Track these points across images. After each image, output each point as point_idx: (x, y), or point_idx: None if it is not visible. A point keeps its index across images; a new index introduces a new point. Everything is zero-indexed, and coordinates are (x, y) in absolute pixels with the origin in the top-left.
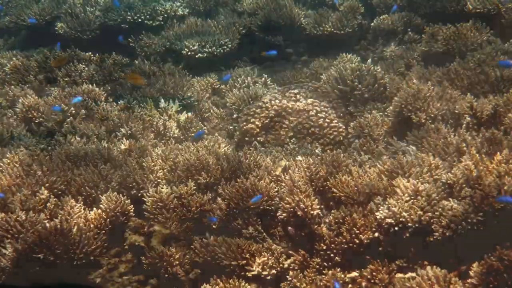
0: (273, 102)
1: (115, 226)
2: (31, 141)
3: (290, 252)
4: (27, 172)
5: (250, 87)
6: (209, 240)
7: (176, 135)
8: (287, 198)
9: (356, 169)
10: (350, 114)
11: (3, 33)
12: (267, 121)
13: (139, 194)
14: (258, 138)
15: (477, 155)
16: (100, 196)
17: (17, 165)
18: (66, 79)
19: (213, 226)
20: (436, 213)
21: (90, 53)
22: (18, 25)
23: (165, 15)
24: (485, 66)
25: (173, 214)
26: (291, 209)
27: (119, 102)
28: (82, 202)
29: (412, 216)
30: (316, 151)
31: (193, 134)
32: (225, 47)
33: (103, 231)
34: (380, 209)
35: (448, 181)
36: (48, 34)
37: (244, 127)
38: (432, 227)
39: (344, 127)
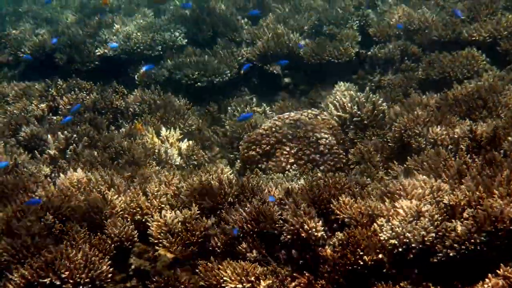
0: (273, 129)
1: (120, 251)
2: (35, 168)
3: (294, 274)
4: (32, 198)
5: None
6: (213, 264)
7: (178, 163)
8: (291, 220)
9: (359, 191)
10: (350, 141)
11: (3, 66)
12: (268, 148)
13: (143, 220)
14: (259, 165)
15: (479, 176)
16: (104, 221)
17: (22, 192)
18: (68, 107)
19: (217, 250)
20: (439, 233)
21: (91, 82)
22: (17, 58)
23: (164, 45)
24: (483, 92)
25: (178, 239)
26: (295, 231)
27: (121, 130)
28: (86, 228)
29: (415, 237)
30: (319, 176)
31: (194, 162)
32: (224, 76)
33: (108, 256)
34: (383, 230)
35: (450, 203)
36: (48, 65)
37: (245, 154)
38: (436, 247)
39: (344, 153)
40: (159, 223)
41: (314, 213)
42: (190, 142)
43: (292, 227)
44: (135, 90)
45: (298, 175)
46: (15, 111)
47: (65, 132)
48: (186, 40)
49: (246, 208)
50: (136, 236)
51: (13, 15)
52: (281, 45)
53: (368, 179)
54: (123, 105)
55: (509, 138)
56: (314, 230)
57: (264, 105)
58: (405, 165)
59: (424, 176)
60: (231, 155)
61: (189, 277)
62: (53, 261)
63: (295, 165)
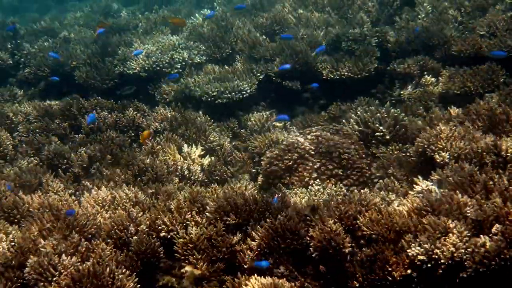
0: (295, 144)
1: (146, 268)
2: (59, 187)
3: None
4: (57, 216)
5: (271, 130)
6: (241, 279)
7: (200, 179)
8: (318, 237)
9: (385, 207)
10: (372, 155)
11: (22, 84)
12: (290, 163)
13: (169, 236)
14: (282, 180)
15: (506, 192)
16: (130, 238)
17: (47, 210)
18: (90, 126)
19: (244, 266)
20: (468, 249)
21: (112, 100)
22: (37, 76)
23: (183, 63)
24: (506, 106)
25: (204, 255)
26: (323, 248)
27: (143, 148)
28: (112, 245)
29: (444, 253)
30: (343, 191)
31: (217, 177)
32: (244, 92)
33: (135, 273)
34: (411, 246)
35: (478, 218)
36: (67, 83)
37: (268, 170)
38: (465, 263)
39: (367, 168)
40: (185, 240)
41: (341, 230)
42: (212, 158)
43: (319, 244)
44: (156, 107)
45: (321, 189)
46: (37, 130)
47: (88, 150)
48: (204, 58)
49: (272, 225)
50: (162, 252)
51: (31, 34)
52: (300, 61)
53: (394, 194)
54: (145, 122)
55: None
56: (341, 246)
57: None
58: (429, 179)
59: (451, 192)
60: (253, 170)
61: None
62: (81, 280)
63: (318, 180)
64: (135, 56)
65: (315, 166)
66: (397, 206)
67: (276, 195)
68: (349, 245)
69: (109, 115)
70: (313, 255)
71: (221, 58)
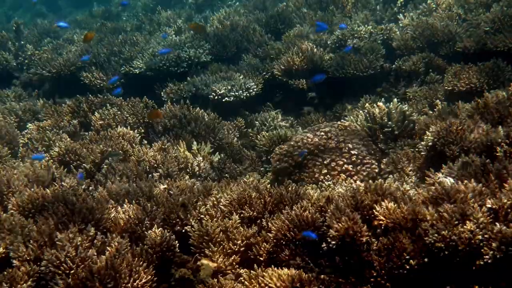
0: (305, 141)
1: (162, 262)
2: (72, 181)
3: (340, 280)
4: (72, 211)
5: (278, 129)
6: (257, 271)
7: (210, 176)
8: (335, 226)
9: (401, 196)
10: (381, 151)
11: (27, 86)
12: (300, 159)
13: (183, 230)
14: (292, 177)
15: None
16: (145, 232)
17: (62, 204)
18: (100, 122)
19: (260, 259)
20: (485, 235)
21: (121, 98)
22: (42, 77)
23: (189, 62)
24: None
25: (220, 248)
26: (340, 236)
27: (153, 144)
28: (128, 239)
29: (462, 240)
30: (353, 185)
31: (227, 174)
32: (251, 91)
33: (152, 266)
34: (428, 234)
35: (493, 206)
36: (72, 84)
37: (278, 167)
38: (482, 250)
39: (376, 163)
40: (201, 233)
41: (358, 219)
42: (222, 155)
43: (336, 233)
44: (164, 105)
45: (332, 185)
46: (47, 127)
47: (100, 146)
48: (210, 57)
49: (288, 216)
50: (177, 246)
51: (35, 36)
52: (306, 59)
53: (408, 185)
54: (155, 119)
55: None
56: (359, 235)
57: (292, 118)
58: (442, 172)
59: (466, 181)
60: (262, 168)
61: (233, 285)
62: (99, 271)
63: (328, 176)
64: (141, 56)
65: (325, 162)
66: (413, 195)
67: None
68: (367, 233)
69: (119, 112)
70: (330, 245)
71: (227, 57)
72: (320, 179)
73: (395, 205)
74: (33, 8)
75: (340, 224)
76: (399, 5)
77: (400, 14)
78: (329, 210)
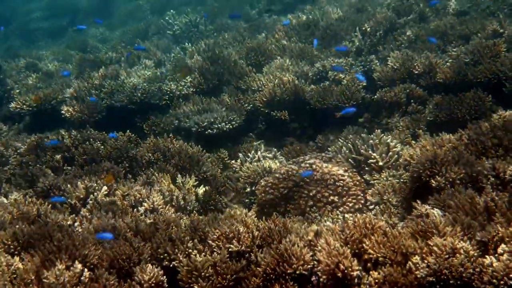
0: (290, 173)
1: None
2: (57, 217)
3: None
4: (59, 247)
5: (261, 160)
6: None
7: (196, 209)
8: (326, 260)
9: (390, 230)
10: (366, 182)
11: (6, 120)
12: (286, 191)
13: (171, 265)
14: (278, 209)
15: (509, 213)
16: (133, 268)
17: (48, 241)
18: (84, 157)
19: None
20: (476, 269)
21: (104, 132)
22: (22, 111)
23: (171, 95)
24: (497, 131)
25: (209, 283)
26: (331, 271)
27: (137, 179)
28: (115, 275)
29: (453, 273)
30: (340, 218)
31: (212, 207)
32: (234, 123)
33: None
34: (419, 268)
35: (483, 239)
36: (52, 118)
37: (263, 199)
38: (474, 284)
39: (362, 194)
40: (190, 268)
41: (348, 253)
42: (206, 187)
43: (327, 267)
44: (148, 138)
45: (318, 217)
46: (30, 162)
47: (85, 181)
48: (192, 89)
49: (278, 250)
50: (165, 281)
51: (13, 70)
52: (288, 91)
53: (396, 218)
54: (139, 153)
55: None
56: (350, 269)
57: (275, 150)
58: (429, 204)
59: (454, 214)
60: (247, 200)
61: None
62: None
63: (314, 208)
64: (122, 89)
65: (311, 194)
66: (402, 228)
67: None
68: (357, 268)
69: (102, 147)
70: (321, 279)
71: (208, 89)
72: (307, 211)
73: (385, 239)
74: (6, 40)
75: (330, 259)
76: (379, 36)
77: (380, 46)
78: (318, 245)
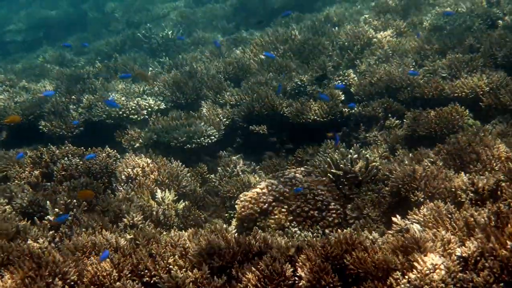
0: (270, 187)
1: None
2: (37, 234)
3: None
4: (39, 264)
5: (240, 175)
6: None
7: (176, 224)
8: (307, 276)
9: (371, 245)
10: (346, 197)
11: None
12: (265, 206)
13: (152, 281)
14: (257, 223)
15: (488, 228)
16: (113, 284)
17: (28, 258)
18: (63, 173)
19: None
20: (457, 285)
21: (83, 148)
22: None
23: (149, 109)
24: (475, 146)
25: None
26: (312, 287)
27: (117, 194)
28: None
29: None
30: (320, 232)
31: (192, 222)
32: (213, 137)
33: None
34: (400, 283)
35: (463, 254)
36: (30, 133)
37: (243, 213)
38: None
39: (341, 209)
40: (170, 284)
41: (330, 269)
42: (186, 202)
43: (308, 283)
44: (126, 154)
45: (298, 231)
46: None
47: (64, 197)
48: (170, 104)
49: (259, 266)
50: None
51: None
52: (266, 105)
53: (376, 233)
54: (118, 169)
55: (511, 190)
56: (331, 285)
57: (254, 164)
58: (408, 219)
59: (434, 230)
60: (226, 214)
61: None
62: None
63: (294, 222)
64: (100, 104)
65: (291, 208)
66: (382, 244)
67: None
68: (339, 284)
69: (81, 162)
70: None
71: (186, 104)
72: (286, 226)
73: (366, 255)
74: None
75: (311, 275)
76: (356, 51)
77: (357, 60)
78: (299, 260)
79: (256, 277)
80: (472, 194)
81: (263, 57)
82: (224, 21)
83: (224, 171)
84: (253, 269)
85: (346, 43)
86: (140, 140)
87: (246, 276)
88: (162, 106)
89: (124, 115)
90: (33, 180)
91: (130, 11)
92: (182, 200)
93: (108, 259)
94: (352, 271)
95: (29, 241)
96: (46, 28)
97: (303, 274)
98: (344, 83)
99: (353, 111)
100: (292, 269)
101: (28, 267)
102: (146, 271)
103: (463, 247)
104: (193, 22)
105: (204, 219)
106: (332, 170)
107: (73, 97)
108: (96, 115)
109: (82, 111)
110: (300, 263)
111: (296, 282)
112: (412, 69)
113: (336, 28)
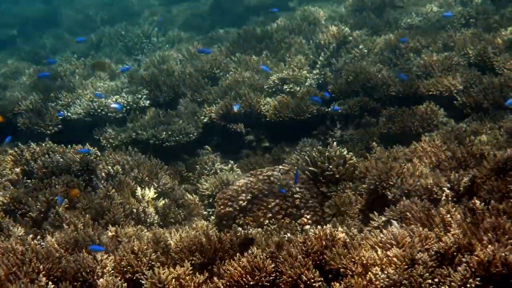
0: (248, 185)
1: None
2: (19, 231)
3: None
4: (22, 261)
5: (218, 172)
6: None
7: (156, 221)
8: (288, 272)
9: (350, 241)
10: (323, 194)
11: None
12: (244, 204)
13: (134, 278)
14: (236, 221)
15: (464, 224)
16: (97, 281)
17: (12, 255)
18: (43, 170)
19: None
20: (435, 279)
21: (63, 145)
22: None
23: (128, 107)
24: (450, 144)
25: None
26: (293, 282)
27: (97, 192)
28: None
29: (412, 284)
30: (298, 229)
31: (171, 219)
32: (191, 135)
33: None
34: (379, 278)
35: (440, 250)
36: (8, 130)
37: (222, 211)
38: None
39: (319, 206)
40: (153, 281)
41: (310, 264)
42: (166, 200)
43: (290, 279)
44: (106, 151)
45: (277, 229)
46: None
47: (46, 195)
48: (149, 102)
49: (241, 262)
50: None
51: None
52: (244, 103)
53: (355, 230)
54: (98, 166)
55: (486, 187)
56: (312, 280)
57: (232, 162)
58: (385, 215)
59: (412, 226)
60: (205, 212)
61: None
62: None
63: (273, 219)
64: (79, 102)
65: (269, 206)
66: (361, 240)
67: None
68: (319, 279)
69: (62, 159)
70: None
71: (164, 101)
72: (265, 223)
73: (345, 251)
74: None
75: (292, 270)
76: (332, 50)
77: (333, 59)
78: (280, 257)
79: (238, 273)
80: (448, 191)
81: (239, 55)
82: (199, 19)
83: (202, 169)
84: (235, 265)
85: (322, 42)
86: (119, 138)
87: (228, 272)
88: (141, 104)
89: (103, 113)
90: (13, 178)
91: (105, 8)
92: (162, 198)
93: (90, 256)
94: (333, 266)
95: (12, 238)
96: (20, 26)
97: (284, 270)
98: (321, 81)
99: (329, 109)
100: (273, 265)
101: (12, 264)
102: (129, 267)
103: (440, 242)
104: (168, 20)
105: (183, 217)
106: (310, 168)
107: (51, 94)
108: (74, 113)
109: (61, 108)
110: (282, 259)
111: (278, 277)
112: (386, 67)
113: (312, 26)
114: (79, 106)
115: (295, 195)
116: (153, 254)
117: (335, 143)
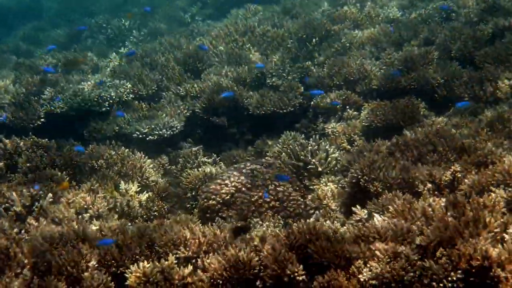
0: (232, 179)
1: None
2: (3, 225)
3: None
4: (7, 255)
5: (201, 166)
6: None
7: (140, 215)
8: (272, 266)
9: (334, 235)
10: (306, 187)
11: None
12: (228, 197)
13: (118, 272)
14: (220, 214)
15: (446, 218)
16: (82, 275)
17: None
18: (27, 165)
19: None
20: (417, 272)
21: (47, 139)
22: None
23: (111, 101)
24: (432, 137)
25: None
26: (277, 276)
27: (81, 186)
28: (64, 282)
29: (395, 277)
30: (281, 223)
31: (155, 213)
32: (174, 129)
33: None
34: (362, 272)
35: (422, 243)
36: None
37: (205, 204)
38: (414, 286)
39: (302, 199)
40: (138, 274)
41: (294, 258)
42: (149, 194)
43: (274, 272)
44: (90, 145)
45: (260, 222)
46: None
47: (30, 189)
48: (132, 96)
49: (225, 256)
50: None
51: None
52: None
53: (338, 223)
54: (82, 160)
55: (466, 180)
56: (296, 274)
57: (215, 155)
58: (367, 209)
59: (394, 219)
60: (188, 205)
61: None
62: None
63: (256, 213)
64: (62, 96)
65: (253, 199)
66: (344, 233)
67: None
68: (303, 272)
69: (46, 154)
70: (267, 284)
71: (147, 95)
72: (249, 216)
73: (329, 244)
74: None
75: (276, 264)
76: (314, 43)
77: (316, 53)
78: (264, 250)
79: (222, 267)
80: (430, 185)
81: (222, 48)
82: (180, 12)
83: (185, 162)
84: (219, 258)
85: (304, 36)
86: (102, 132)
87: (212, 265)
88: (124, 97)
89: (86, 106)
90: None
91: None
92: (145, 191)
93: (75, 250)
94: (316, 260)
95: None
96: (1, 16)
97: (268, 263)
98: (303, 75)
99: (312, 102)
100: (257, 259)
101: None
102: (113, 261)
103: (422, 236)
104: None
105: (167, 210)
106: (292, 162)
107: (34, 88)
108: (57, 107)
109: (44, 102)
110: (265, 253)
111: (261, 271)
112: (369, 61)
113: (294, 19)
114: (62, 100)
115: (278, 189)
116: (137, 248)
117: (317, 136)
